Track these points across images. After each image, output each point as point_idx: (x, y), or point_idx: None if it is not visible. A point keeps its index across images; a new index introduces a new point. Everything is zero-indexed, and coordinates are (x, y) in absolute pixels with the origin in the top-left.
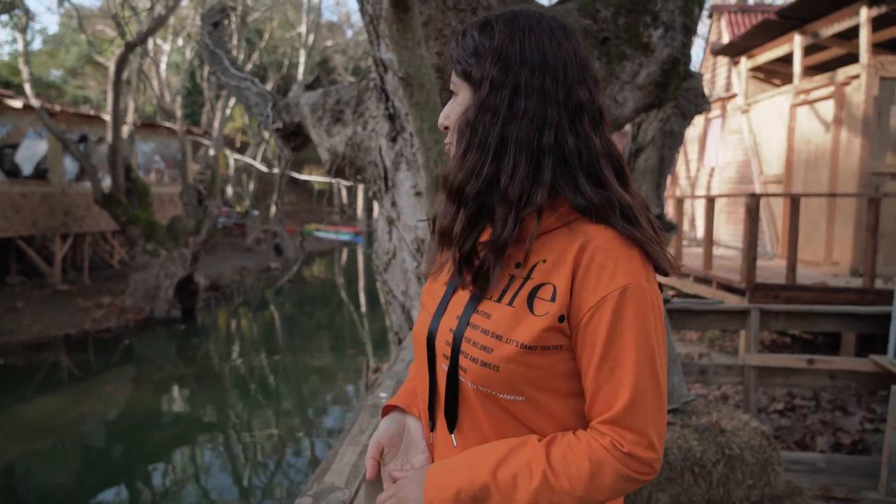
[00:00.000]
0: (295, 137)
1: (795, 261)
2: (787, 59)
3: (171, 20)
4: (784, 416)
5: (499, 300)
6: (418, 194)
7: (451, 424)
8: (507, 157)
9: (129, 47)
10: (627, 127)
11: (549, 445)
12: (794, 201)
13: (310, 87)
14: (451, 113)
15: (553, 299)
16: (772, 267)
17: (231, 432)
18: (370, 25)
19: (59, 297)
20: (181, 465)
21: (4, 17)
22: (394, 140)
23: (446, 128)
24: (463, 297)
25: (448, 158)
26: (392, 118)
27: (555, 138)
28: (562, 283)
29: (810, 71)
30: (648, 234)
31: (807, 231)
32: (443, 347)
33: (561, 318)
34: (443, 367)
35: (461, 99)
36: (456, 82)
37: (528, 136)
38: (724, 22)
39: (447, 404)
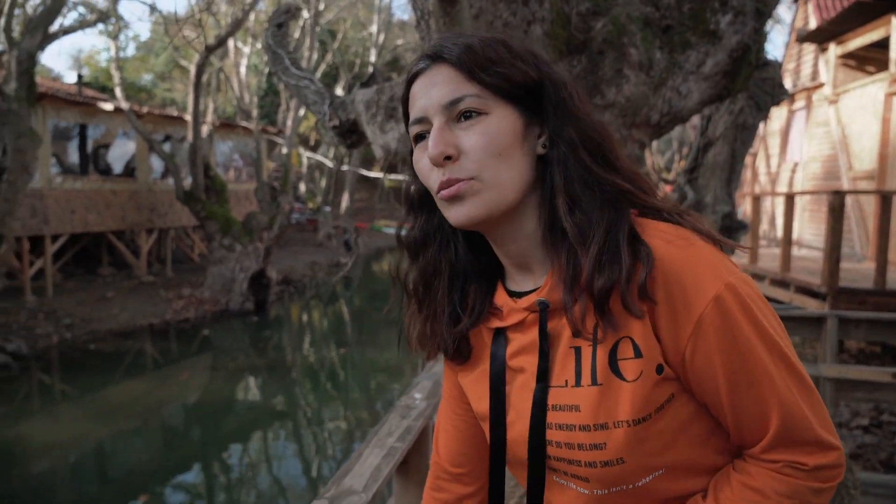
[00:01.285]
0: (351, 135)
1: (885, 263)
2: (882, 45)
3: (251, 24)
4: (869, 432)
5: (577, 384)
6: None
7: None
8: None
9: (209, 51)
10: (696, 119)
11: None
12: (884, 199)
13: (365, 84)
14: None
15: (639, 354)
16: (860, 270)
17: (301, 421)
18: (421, 20)
19: (144, 288)
20: (253, 451)
21: (101, 26)
22: None
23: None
24: (526, 395)
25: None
26: None
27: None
28: (638, 327)
29: None
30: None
31: None
32: (526, 460)
33: (659, 369)
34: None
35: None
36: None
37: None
38: (810, 6)
39: None
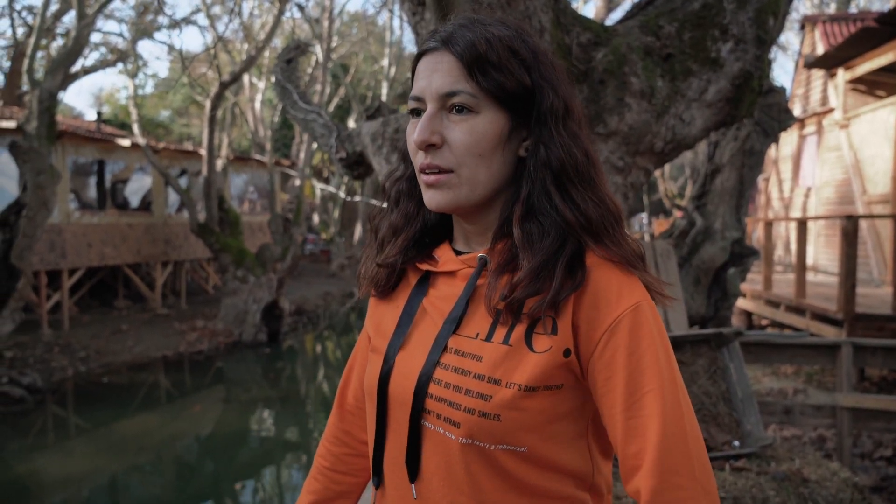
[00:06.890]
0: (358, 166)
1: None
2: (891, 69)
3: (266, 59)
4: (892, 463)
5: (488, 339)
6: None
7: (414, 474)
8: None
9: (223, 87)
10: (702, 146)
11: None
12: None
13: (371, 116)
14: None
15: (554, 332)
16: (878, 295)
17: (314, 453)
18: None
19: (159, 320)
20: (267, 484)
21: (120, 65)
22: None
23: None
24: (430, 335)
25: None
26: None
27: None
28: (562, 312)
29: None
30: (638, 260)
31: None
32: (410, 396)
33: (566, 352)
34: (405, 416)
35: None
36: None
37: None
38: (817, 33)
39: (410, 455)
